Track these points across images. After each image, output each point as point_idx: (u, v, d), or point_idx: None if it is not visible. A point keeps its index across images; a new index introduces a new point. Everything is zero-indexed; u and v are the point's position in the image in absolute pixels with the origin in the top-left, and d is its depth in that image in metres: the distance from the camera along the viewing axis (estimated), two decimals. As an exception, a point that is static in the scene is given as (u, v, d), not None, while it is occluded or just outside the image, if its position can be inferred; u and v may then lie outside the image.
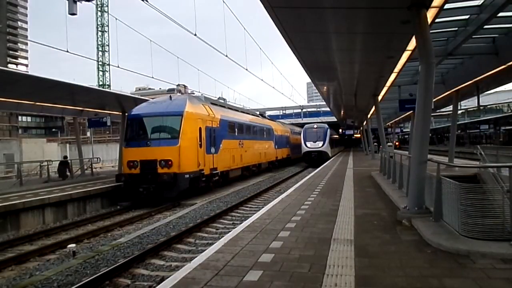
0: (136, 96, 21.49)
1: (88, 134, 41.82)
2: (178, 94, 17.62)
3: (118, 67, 19.46)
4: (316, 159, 31.43)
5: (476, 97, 16.01)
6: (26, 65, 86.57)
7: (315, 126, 34.58)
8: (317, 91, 23.91)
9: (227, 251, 5.20)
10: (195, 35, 15.03)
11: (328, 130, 34.09)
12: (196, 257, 5.24)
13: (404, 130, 63.78)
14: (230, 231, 7.00)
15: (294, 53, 10.61)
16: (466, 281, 3.89)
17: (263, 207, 9.06)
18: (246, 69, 21.90)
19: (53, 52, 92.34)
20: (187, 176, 14.07)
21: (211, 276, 4.23)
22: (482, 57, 11.71)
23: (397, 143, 53.25)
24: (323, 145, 32.58)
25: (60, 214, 12.38)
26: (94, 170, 22.82)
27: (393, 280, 3.99)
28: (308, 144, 32.92)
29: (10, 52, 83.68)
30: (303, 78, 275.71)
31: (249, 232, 6.24)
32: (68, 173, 20.31)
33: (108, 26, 63.39)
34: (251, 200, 14.78)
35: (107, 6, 63.62)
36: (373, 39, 9.53)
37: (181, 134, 14.14)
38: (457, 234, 5.17)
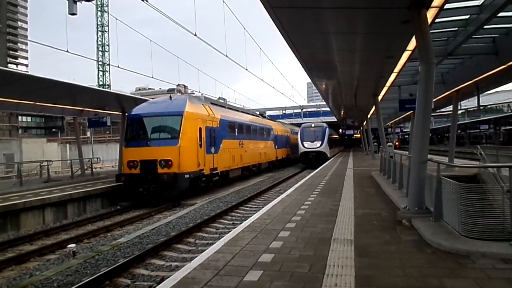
0: (136, 96, 21.45)
1: (88, 134, 41.88)
2: (178, 94, 17.64)
3: (118, 67, 19.44)
4: (314, 160, 29.74)
5: (476, 97, 16.02)
6: (26, 65, 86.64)
7: (313, 125, 32.81)
8: (317, 91, 23.90)
9: (227, 251, 5.20)
10: (195, 35, 15.02)
11: (327, 129, 32.48)
12: (196, 257, 5.23)
13: (404, 130, 63.78)
14: (230, 231, 6.99)
15: (294, 53, 10.60)
16: (466, 281, 3.89)
17: (263, 207, 9.06)
18: (246, 69, 21.86)
19: (53, 52, 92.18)
20: (187, 176, 14.07)
21: (211, 276, 4.23)
22: (482, 57, 11.70)
23: (397, 143, 53.22)
24: (321, 145, 30.81)
25: (60, 214, 12.38)
26: (94, 170, 22.81)
27: (393, 280, 3.99)
28: (306, 144, 30.96)
29: (10, 52, 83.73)
30: (303, 78, 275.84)
31: (249, 232, 6.24)
32: None
33: (108, 26, 63.66)
34: (251, 200, 14.79)
35: (107, 6, 63.83)
36: (373, 39, 9.53)
37: (181, 134, 14.14)
38: (457, 234, 5.18)
